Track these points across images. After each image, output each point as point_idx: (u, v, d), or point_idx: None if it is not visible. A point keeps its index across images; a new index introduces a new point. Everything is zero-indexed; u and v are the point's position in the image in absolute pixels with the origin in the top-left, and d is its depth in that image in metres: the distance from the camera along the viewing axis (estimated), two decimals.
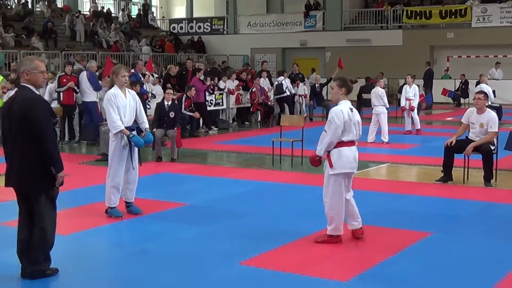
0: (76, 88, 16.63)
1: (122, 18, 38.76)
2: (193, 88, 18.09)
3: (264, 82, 22.41)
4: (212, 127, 19.88)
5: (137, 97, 9.08)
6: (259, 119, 22.10)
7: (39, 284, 6.18)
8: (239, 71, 24.20)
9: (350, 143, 7.46)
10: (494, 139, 11.04)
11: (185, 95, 17.92)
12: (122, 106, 8.69)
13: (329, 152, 7.46)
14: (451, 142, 10.99)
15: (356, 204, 7.71)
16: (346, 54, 34.12)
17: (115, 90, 8.72)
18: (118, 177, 8.76)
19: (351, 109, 7.48)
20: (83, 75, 16.49)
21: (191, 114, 17.81)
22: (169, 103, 14.34)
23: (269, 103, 22.05)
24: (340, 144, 7.41)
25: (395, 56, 32.40)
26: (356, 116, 7.52)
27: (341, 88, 7.53)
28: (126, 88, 8.88)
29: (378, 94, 16.70)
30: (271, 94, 22.42)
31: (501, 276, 6.32)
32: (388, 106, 16.92)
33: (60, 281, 6.28)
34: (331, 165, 7.43)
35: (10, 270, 6.50)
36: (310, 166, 7.66)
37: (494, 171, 11.03)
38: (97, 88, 16.22)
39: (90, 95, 16.34)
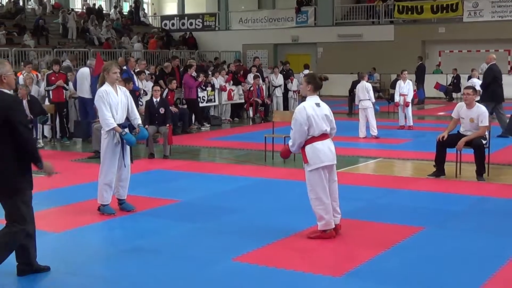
0: (65, 85, 16.61)
1: (114, 15, 38.69)
2: (174, 81, 17.97)
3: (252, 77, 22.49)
4: (205, 123, 19.87)
5: (128, 94, 9.06)
6: (251, 115, 22.11)
7: (33, 282, 6.17)
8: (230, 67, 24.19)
9: (323, 136, 7.50)
10: (486, 133, 11.07)
11: (167, 89, 17.82)
12: (114, 103, 8.65)
13: (303, 148, 7.50)
14: (443, 137, 11.01)
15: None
16: (337, 49, 34.29)
17: (106, 87, 8.68)
18: (110, 175, 8.74)
19: (317, 104, 7.53)
20: (84, 71, 16.40)
21: (175, 110, 17.61)
22: (158, 99, 14.32)
23: (266, 101, 22.03)
24: (313, 139, 7.46)
25: (387, 51, 32.45)
26: (325, 110, 7.56)
27: (308, 84, 7.63)
28: (117, 85, 8.86)
29: (365, 88, 16.70)
30: (265, 89, 22.52)
31: (494, 270, 6.34)
32: (374, 100, 16.89)
33: (52, 279, 6.26)
34: (305, 161, 7.48)
35: (7, 267, 6.48)
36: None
37: (486, 165, 11.05)
38: (93, 87, 16.13)
39: (88, 91, 16.28)
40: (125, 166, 8.85)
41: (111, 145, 8.71)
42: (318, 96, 7.70)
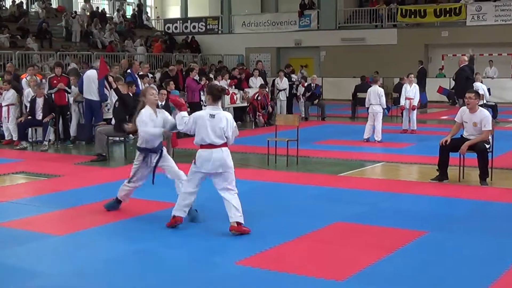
0: (67, 88, 16.60)
1: (117, 18, 38.74)
2: (171, 83, 17.97)
3: (255, 81, 22.46)
4: None
5: (164, 114, 9.18)
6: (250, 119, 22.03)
7: (32, 285, 6.17)
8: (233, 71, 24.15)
9: (209, 146, 7.83)
10: (489, 137, 11.05)
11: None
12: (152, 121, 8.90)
13: None
14: (446, 141, 10.99)
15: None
16: (341, 53, 34.31)
17: (147, 110, 8.87)
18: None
19: (212, 115, 7.81)
20: (91, 74, 16.40)
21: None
22: (163, 103, 14.31)
23: (270, 105, 22.01)
24: (201, 146, 7.91)
25: (390, 55, 32.45)
26: (219, 122, 7.79)
27: (207, 95, 8.11)
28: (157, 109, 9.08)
29: (377, 93, 16.66)
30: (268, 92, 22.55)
31: (498, 275, 6.32)
32: (385, 106, 16.89)
33: (54, 282, 6.26)
34: (193, 161, 8.03)
35: (3, 272, 6.50)
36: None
37: (489, 170, 11.02)
38: (100, 91, 16.16)
39: (96, 93, 16.29)
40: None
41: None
42: (218, 107, 7.96)
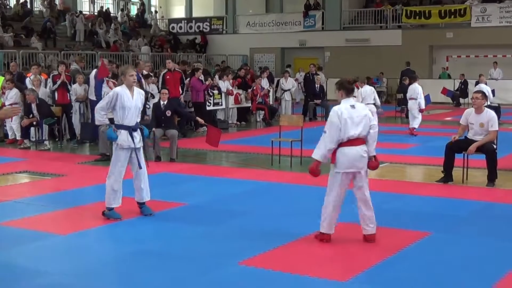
0: (68, 84, 16.62)
1: (121, 18, 38.75)
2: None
3: (263, 82, 22.49)
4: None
5: (143, 98, 8.96)
6: (258, 119, 22.04)
7: (36, 284, 6.16)
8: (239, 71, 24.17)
9: (353, 141, 7.35)
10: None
11: None
12: (127, 107, 8.57)
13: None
14: (455, 138, 10.99)
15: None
16: (345, 54, 34.27)
17: (122, 88, 8.65)
18: (118, 183, 8.66)
19: (352, 105, 7.38)
20: (92, 74, 16.51)
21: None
22: (165, 102, 14.28)
23: (269, 102, 22.04)
24: (342, 143, 7.34)
25: (394, 56, 32.36)
26: (359, 111, 7.38)
27: (339, 91, 7.52)
28: (135, 88, 8.77)
29: (372, 91, 16.85)
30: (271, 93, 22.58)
31: (501, 276, 6.31)
32: (379, 103, 16.97)
33: (57, 281, 6.25)
34: (332, 161, 7.41)
35: (6, 271, 6.49)
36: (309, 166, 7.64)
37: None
38: (97, 91, 16.20)
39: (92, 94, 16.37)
40: (140, 168, 8.79)
41: (120, 151, 8.65)
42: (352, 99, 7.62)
